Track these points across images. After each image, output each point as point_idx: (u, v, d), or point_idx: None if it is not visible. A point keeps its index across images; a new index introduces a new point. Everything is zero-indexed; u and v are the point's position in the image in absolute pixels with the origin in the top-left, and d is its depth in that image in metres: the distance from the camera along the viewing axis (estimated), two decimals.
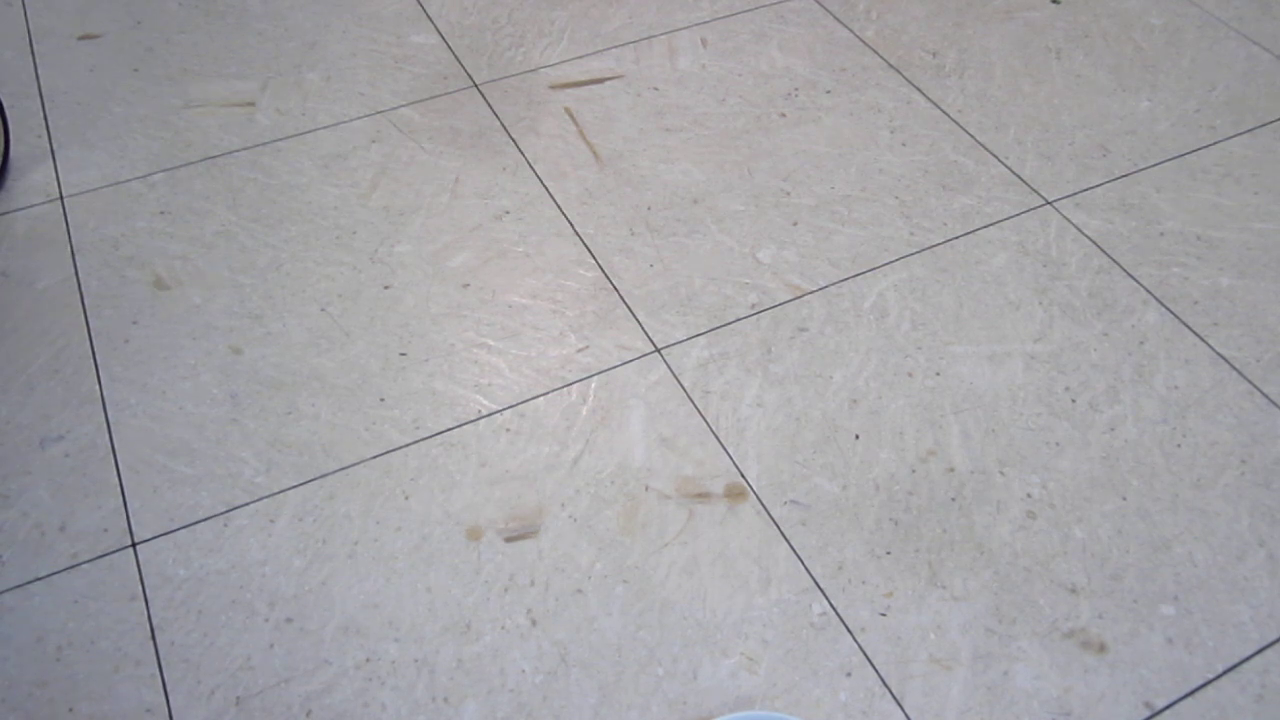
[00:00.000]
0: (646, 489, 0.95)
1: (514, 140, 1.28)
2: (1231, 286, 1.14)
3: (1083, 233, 1.19)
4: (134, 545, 0.90)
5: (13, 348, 1.04)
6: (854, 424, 1.01)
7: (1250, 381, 1.05)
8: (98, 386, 1.01)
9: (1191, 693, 0.84)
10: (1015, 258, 1.16)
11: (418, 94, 1.33)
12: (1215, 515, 0.95)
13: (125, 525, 0.91)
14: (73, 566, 0.89)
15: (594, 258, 1.15)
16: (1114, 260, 1.16)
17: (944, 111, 1.33)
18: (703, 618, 0.87)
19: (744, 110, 1.33)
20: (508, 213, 1.19)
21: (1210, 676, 0.85)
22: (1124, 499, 0.96)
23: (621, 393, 1.02)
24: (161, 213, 1.18)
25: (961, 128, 1.31)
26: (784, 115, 1.32)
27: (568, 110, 1.32)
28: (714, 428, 1.00)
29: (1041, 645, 0.86)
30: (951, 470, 0.97)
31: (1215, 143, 1.30)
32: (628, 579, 0.89)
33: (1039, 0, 1.51)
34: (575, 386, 1.03)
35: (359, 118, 1.30)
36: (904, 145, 1.29)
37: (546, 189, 1.22)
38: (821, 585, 0.89)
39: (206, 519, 0.92)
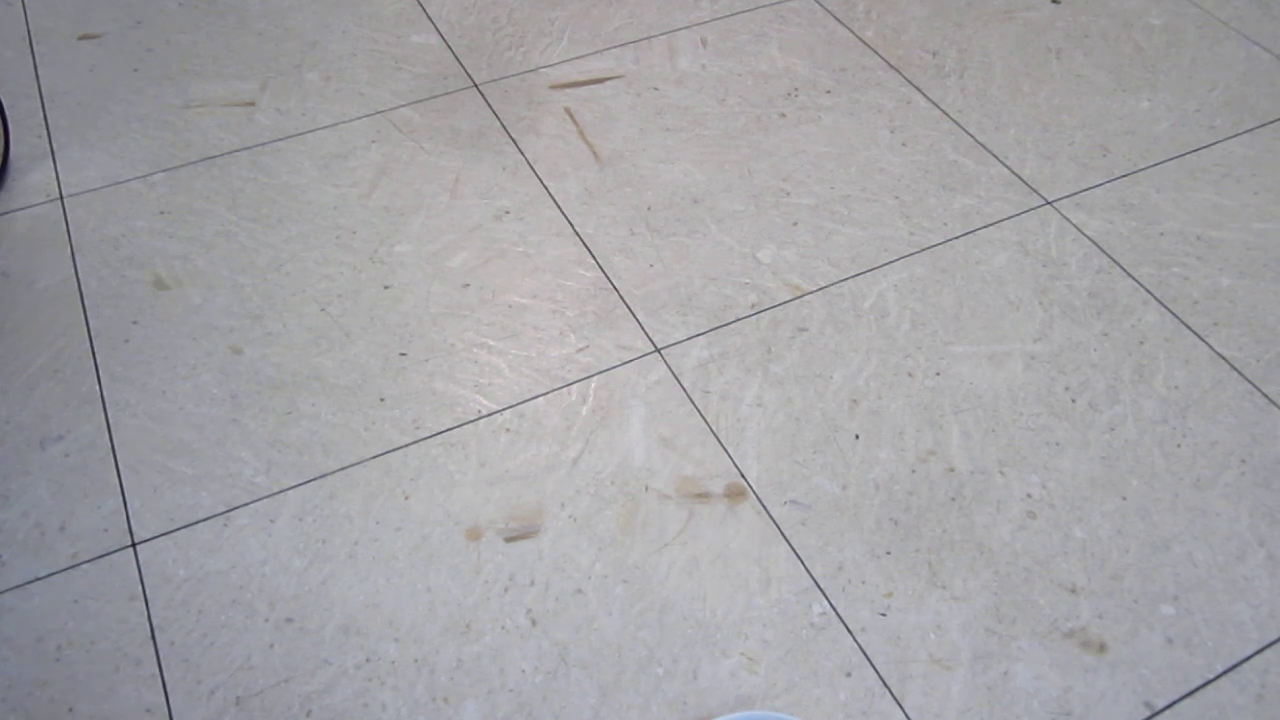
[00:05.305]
0: (646, 489, 0.95)
1: (514, 140, 1.28)
2: (1231, 286, 1.14)
3: (1083, 233, 1.19)
4: (134, 545, 0.90)
5: (13, 348, 1.04)
6: (854, 424, 1.01)
7: (1250, 381, 1.05)
8: (98, 386, 1.01)
9: (1191, 693, 0.84)
10: (1015, 258, 1.16)
11: (418, 94, 1.33)
12: (1215, 515, 0.95)
13: (125, 525, 0.91)
14: (73, 566, 0.89)
15: (594, 258, 1.15)
16: (1114, 260, 1.16)
17: (944, 111, 1.33)
18: (703, 618, 0.87)
19: (744, 110, 1.33)
20: (508, 213, 1.19)
21: (1210, 676, 0.85)
22: (1124, 499, 0.96)
23: (621, 393, 1.02)
24: (161, 213, 1.18)
25: (961, 128, 1.31)
26: (784, 115, 1.32)
27: (568, 110, 1.32)
28: (714, 428, 1.00)
29: (1041, 645, 0.86)
30: (951, 470, 0.97)
31: (1215, 143, 1.30)
32: (628, 579, 0.89)
33: (1039, 0, 1.51)
34: (575, 386, 1.03)
35: (359, 118, 1.30)
36: (904, 145, 1.29)
37: (546, 189, 1.22)
38: (821, 585, 0.89)
39: (206, 519, 0.92)
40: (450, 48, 1.41)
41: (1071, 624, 0.88)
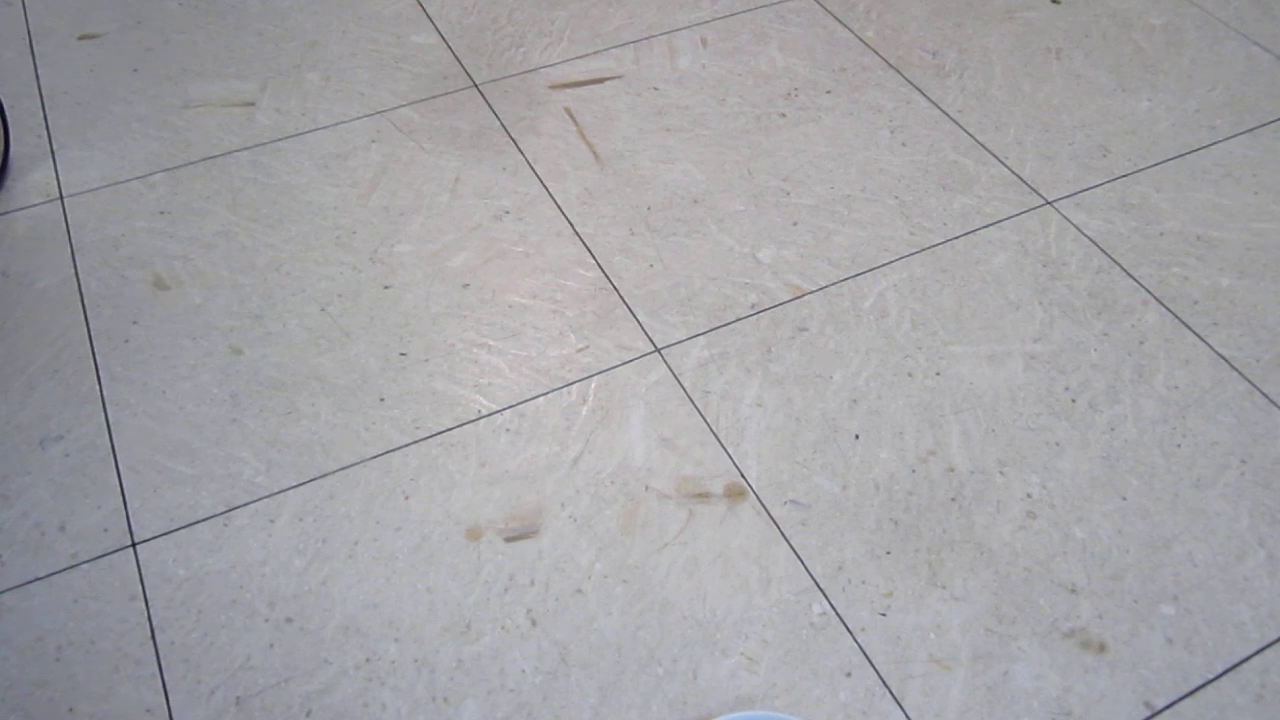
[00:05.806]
0: (646, 489, 0.95)
1: (514, 140, 1.28)
2: (1231, 286, 1.14)
3: (1083, 233, 1.19)
4: (134, 545, 0.90)
5: (13, 348, 1.04)
6: (854, 424, 1.01)
7: (1250, 381, 1.05)
8: (98, 386, 1.01)
9: (1191, 693, 0.84)
10: (1015, 258, 1.16)
11: (418, 94, 1.33)
12: (1215, 515, 0.95)
13: (125, 525, 0.91)
14: (73, 566, 0.89)
15: (594, 258, 1.15)
16: (1114, 260, 1.16)
17: (944, 111, 1.33)
18: (703, 618, 0.87)
19: (744, 110, 1.33)
20: (508, 213, 1.19)
21: (1210, 676, 0.85)
22: (1124, 499, 0.96)
23: (621, 393, 1.02)
24: (161, 213, 1.18)
25: (961, 128, 1.31)
26: (784, 115, 1.32)
27: (568, 110, 1.32)
28: (714, 428, 1.00)
29: (1041, 645, 0.86)
30: (951, 470, 0.97)
31: (1215, 143, 1.30)
32: (628, 579, 0.89)
33: (1039, 0, 1.51)
34: (575, 386, 1.03)
35: (359, 118, 1.30)
36: (904, 145, 1.29)
37: (546, 189, 1.22)
38: (821, 585, 0.89)
39: (206, 519, 0.92)
40: (450, 48, 1.41)
41: (1071, 624, 0.88)
